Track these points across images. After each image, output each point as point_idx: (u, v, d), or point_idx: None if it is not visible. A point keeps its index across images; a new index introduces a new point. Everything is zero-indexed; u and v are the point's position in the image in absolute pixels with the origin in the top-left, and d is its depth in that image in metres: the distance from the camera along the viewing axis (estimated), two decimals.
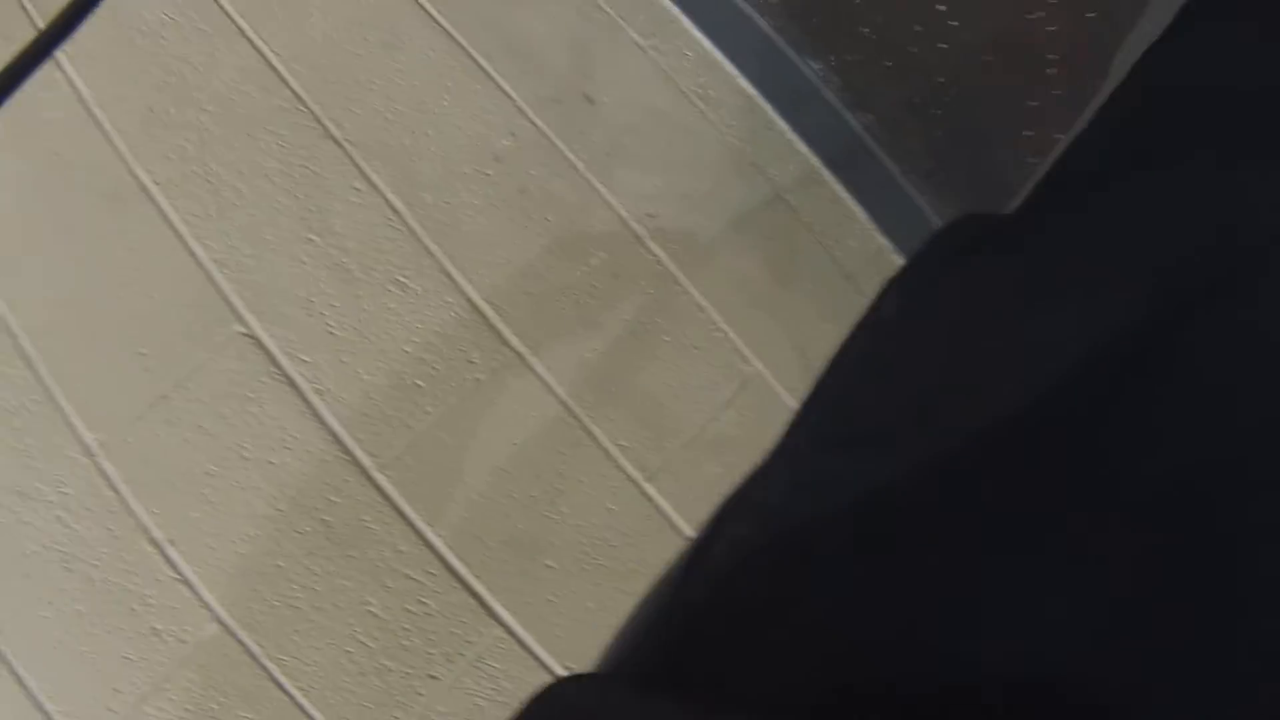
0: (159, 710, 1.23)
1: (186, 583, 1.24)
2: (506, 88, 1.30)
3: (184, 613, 1.24)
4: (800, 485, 0.29)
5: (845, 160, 1.30)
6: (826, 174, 1.28)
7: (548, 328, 1.19)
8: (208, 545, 1.23)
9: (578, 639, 1.13)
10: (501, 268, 1.20)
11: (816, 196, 1.27)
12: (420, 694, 1.17)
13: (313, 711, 1.19)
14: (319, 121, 1.32)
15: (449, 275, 1.22)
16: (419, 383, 1.19)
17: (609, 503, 1.16)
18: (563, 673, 1.17)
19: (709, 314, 1.21)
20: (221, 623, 1.22)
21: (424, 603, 1.17)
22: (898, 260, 1.29)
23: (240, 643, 1.22)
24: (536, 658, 1.15)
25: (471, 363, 1.19)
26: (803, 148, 1.29)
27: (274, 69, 1.37)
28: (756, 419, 1.14)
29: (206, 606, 1.23)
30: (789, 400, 1.15)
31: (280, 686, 1.21)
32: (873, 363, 0.33)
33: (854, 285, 1.25)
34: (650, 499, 1.16)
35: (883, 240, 1.28)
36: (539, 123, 1.28)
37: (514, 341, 1.20)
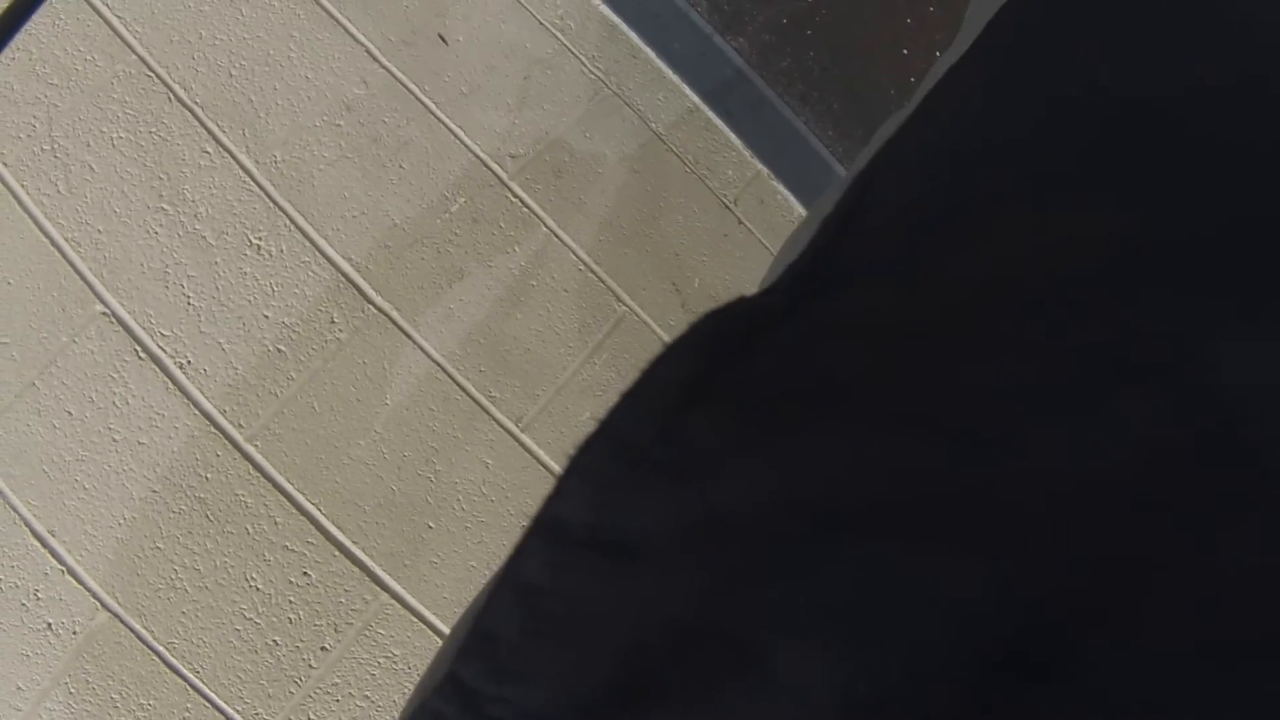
0: (61, 705, 1.17)
1: (71, 573, 1.17)
2: (355, 33, 1.20)
3: (73, 604, 1.17)
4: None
5: (716, 87, 1.22)
6: (698, 102, 1.20)
7: (409, 280, 1.11)
8: (87, 533, 1.17)
9: (464, 599, 1.07)
10: (357, 221, 1.12)
11: (688, 126, 1.19)
12: (313, 667, 1.11)
13: (208, 693, 1.14)
14: (165, 84, 1.22)
15: (304, 234, 1.13)
16: (281, 348, 1.12)
17: (485, 456, 1.09)
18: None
19: (577, 254, 1.13)
20: (110, 610, 1.16)
21: (306, 574, 1.11)
22: (778, 187, 1.21)
23: (130, 629, 1.16)
24: (425, 621, 1.09)
25: (333, 323, 1.11)
26: (671, 76, 1.20)
27: (117, 34, 1.27)
28: (631, 359, 1.07)
29: (94, 595, 1.17)
30: (666, 337, 1.08)
31: (174, 670, 1.15)
32: None
33: (733, 214, 1.17)
34: (527, 449, 1.10)
35: (761, 166, 1.20)
36: (391, 67, 1.18)
37: (375, 298, 1.12)
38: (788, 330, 0.26)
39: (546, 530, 0.24)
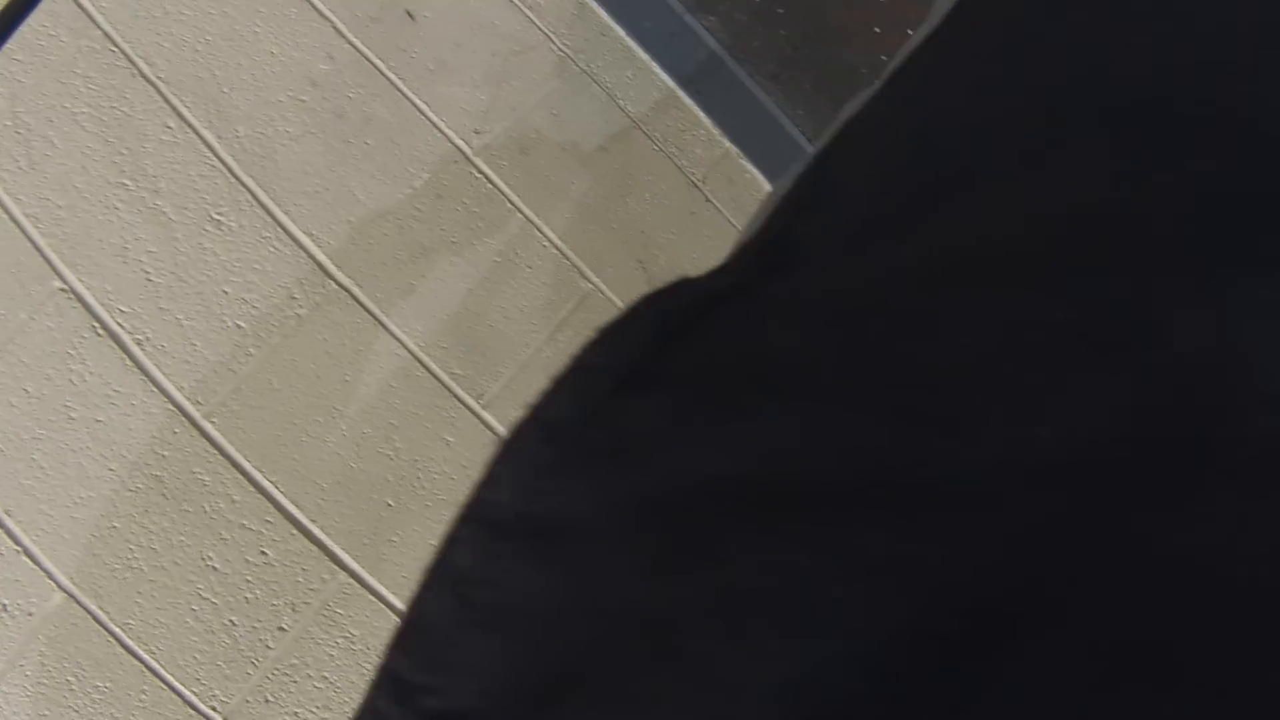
0: (17, 687, 1.14)
1: (27, 553, 1.14)
2: (322, 8, 1.17)
3: (28, 585, 1.14)
4: None
5: (687, 65, 1.20)
6: (667, 80, 1.17)
7: (370, 256, 1.09)
8: (43, 512, 1.13)
9: None
10: (319, 196, 1.09)
11: (657, 104, 1.16)
12: (270, 647, 1.08)
13: (165, 675, 1.11)
14: (129, 59, 1.20)
15: (266, 209, 1.10)
16: (240, 324, 1.09)
17: (446, 434, 1.06)
18: None
19: (542, 231, 1.11)
20: (66, 591, 1.13)
21: (264, 553, 1.08)
22: (746, 166, 1.19)
23: (86, 610, 1.13)
24: (384, 600, 1.07)
25: (293, 299, 1.08)
26: (641, 54, 1.18)
27: (82, 8, 1.24)
28: None
29: (49, 576, 1.13)
30: None
31: (130, 651, 1.12)
32: None
33: (700, 193, 1.15)
34: (489, 427, 1.07)
35: (729, 145, 1.18)
36: (357, 43, 1.16)
37: (336, 274, 1.09)
38: (735, 309, 0.25)
39: (475, 517, 0.23)
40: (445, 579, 0.23)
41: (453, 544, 0.23)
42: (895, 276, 0.25)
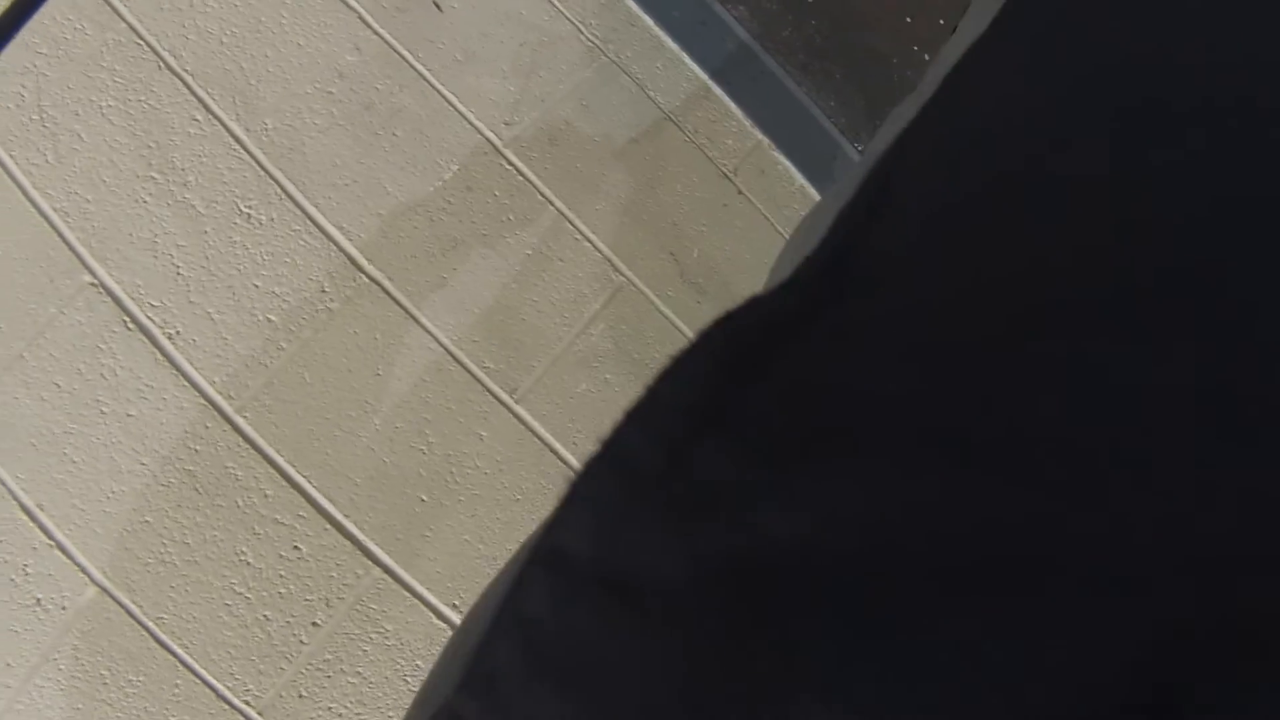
0: (51, 681, 1.14)
1: (60, 547, 1.14)
2: None
3: (61, 579, 1.14)
4: None
5: (716, 55, 1.18)
6: (697, 70, 1.16)
7: (401, 249, 1.08)
8: (75, 506, 1.13)
9: (457, 574, 1.04)
10: (349, 189, 1.08)
11: (687, 94, 1.15)
12: (304, 642, 1.08)
13: (198, 669, 1.11)
14: (155, 52, 1.19)
15: (295, 202, 1.10)
16: (271, 318, 1.08)
17: (479, 429, 1.06)
18: (445, 610, 1.09)
19: (573, 223, 1.09)
20: (99, 585, 1.13)
21: (297, 548, 1.08)
22: (778, 157, 1.18)
23: (120, 604, 1.13)
24: (418, 596, 1.06)
25: (324, 292, 1.08)
26: (670, 44, 1.16)
27: (107, 1, 1.23)
28: (628, 330, 1.03)
29: (83, 570, 1.13)
30: (663, 308, 1.05)
31: (164, 646, 1.12)
32: None
33: (732, 184, 1.14)
34: (522, 421, 1.06)
35: (761, 136, 1.16)
36: (384, 34, 1.15)
37: (367, 267, 1.08)
38: (810, 339, 0.23)
39: (547, 560, 0.21)
40: (515, 623, 0.22)
41: (522, 587, 0.22)
42: (983, 307, 0.22)
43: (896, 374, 0.21)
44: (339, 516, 1.05)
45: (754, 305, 0.24)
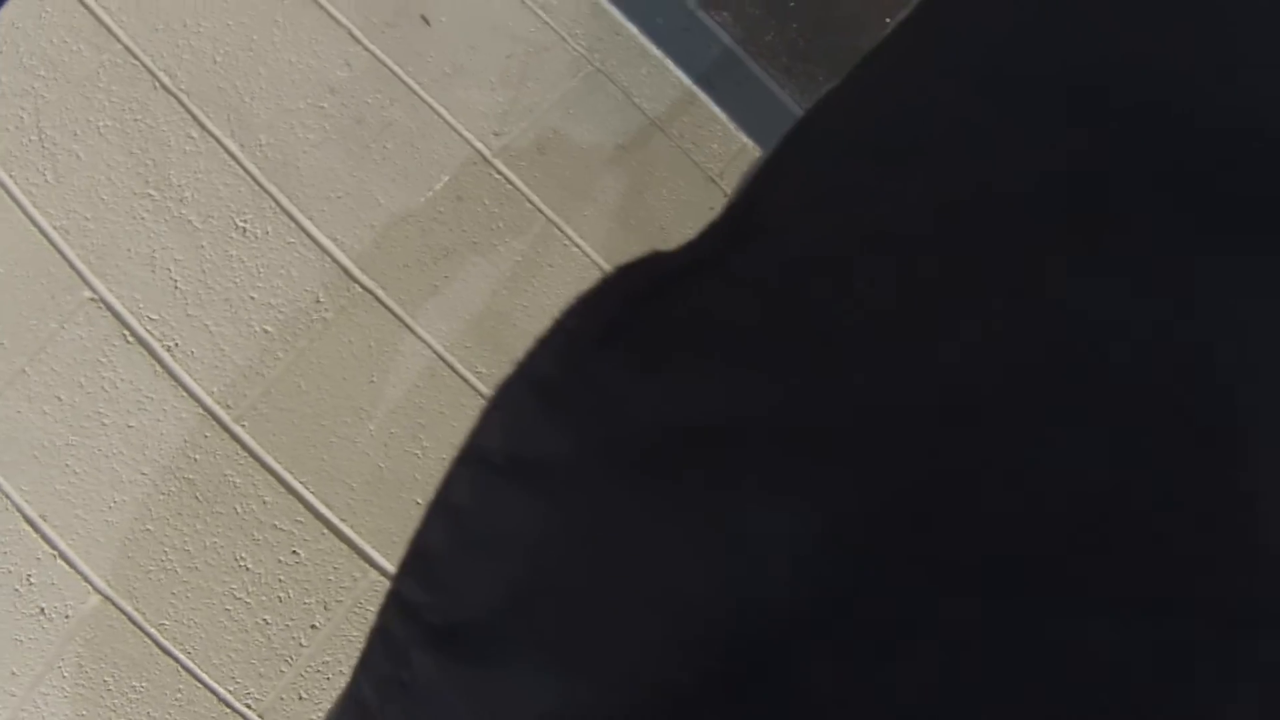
0: (55, 689, 1.16)
1: (64, 557, 1.16)
2: (338, 15, 1.19)
3: (64, 588, 1.16)
4: None
5: (700, 61, 1.21)
6: (681, 76, 1.19)
7: (394, 259, 1.10)
8: (78, 516, 1.15)
9: None
10: (342, 201, 1.10)
11: (672, 100, 1.17)
12: (303, 645, 1.10)
13: (200, 674, 1.12)
14: (150, 73, 1.22)
15: (290, 215, 1.12)
16: (267, 328, 1.11)
17: None
18: None
19: (562, 229, 1.12)
20: (102, 594, 1.15)
21: (295, 552, 1.09)
22: None
23: (122, 612, 1.14)
24: None
25: (319, 303, 1.10)
26: (655, 51, 1.19)
27: (103, 23, 1.26)
28: None
29: (85, 579, 1.15)
30: None
31: (166, 652, 1.14)
32: None
33: (719, 188, 1.16)
34: None
35: (746, 140, 1.19)
36: (374, 49, 1.17)
37: (361, 277, 1.11)
38: (698, 281, 0.28)
39: (470, 459, 0.26)
40: (444, 511, 0.26)
41: (450, 482, 0.26)
42: (828, 251, 0.27)
43: (746, 308, 0.27)
44: (336, 521, 1.07)
45: (655, 257, 0.30)
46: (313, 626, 1.08)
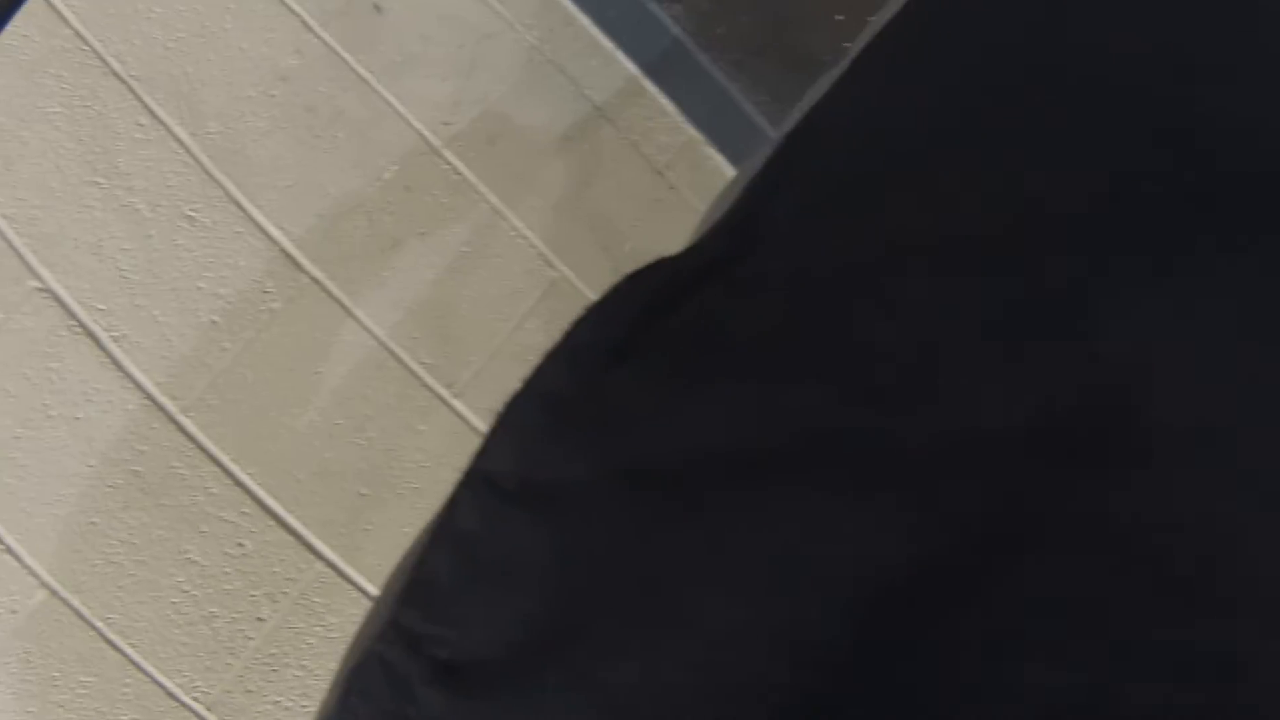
0: (3, 684, 1.14)
1: (10, 552, 1.15)
2: (291, 3, 1.18)
3: (11, 583, 1.15)
4: None
5: (650, 53, 1.20)
6: (631, 68, 1.18)
7: (342, 249, 1.09)
8: (24, 511, 1.14)
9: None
10: (290, 190, 1.10)
11: (621, 92, 1.17)
12: (250, 637, 1.09)
13: (147, 667, 1.12)
14: (100, 58, 1.20)
15: (238, 204, 1.11)
16: (215, 319, 1.10)
17: (417, 423, 1.07)
18: None
19: (509, 220, 1.11)
20: (48, 588, 1.14)
21: (242, 544, 1.09)
22: (710, 153, 1.20)
23: (69, 606, 1.14)
24: (360, 589, 1.08)
25: (266, 293, 1.09)
26: (605, 42, 1.18)
27: (53, 7, 1.24)
28: (563, 324, 1.05)
29: (32, 573, 1.14)
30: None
31: (113, 645, 1.13)
32: None
33: (665, 180, 1.16)
34: (460, 415, 1.08)
35: (694, 133, 1.18)
36: (325, 37, 1.17)
37: (309, 267, 1.10)
38: (707, 290, 0.27)
39: (478, 483, 0.25)
40: (451, 539, 0.25)
41: (456, 507, 0.25)
42: (851, 261, 0.26)
43: (762, 318, 0.25)
44: (282, 512, 1.07)
45: (661, 264, 0.28)
46: (259, 619, 1.08)
